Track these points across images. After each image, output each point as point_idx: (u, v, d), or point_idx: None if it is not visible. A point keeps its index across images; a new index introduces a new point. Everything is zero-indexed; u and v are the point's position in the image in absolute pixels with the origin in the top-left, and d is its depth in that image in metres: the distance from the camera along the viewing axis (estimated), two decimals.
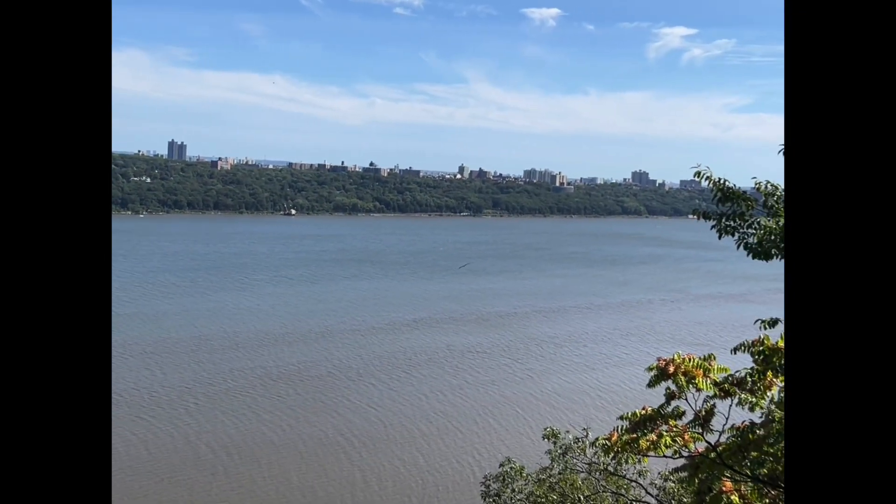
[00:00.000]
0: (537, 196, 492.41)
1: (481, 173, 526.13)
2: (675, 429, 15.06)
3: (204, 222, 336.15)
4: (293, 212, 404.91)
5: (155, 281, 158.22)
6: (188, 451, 68.87)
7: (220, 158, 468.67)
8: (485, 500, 30.07)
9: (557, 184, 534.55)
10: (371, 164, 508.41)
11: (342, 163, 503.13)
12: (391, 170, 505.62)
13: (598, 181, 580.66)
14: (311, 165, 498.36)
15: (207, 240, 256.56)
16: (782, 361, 13.10)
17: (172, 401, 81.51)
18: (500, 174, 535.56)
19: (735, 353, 14.96)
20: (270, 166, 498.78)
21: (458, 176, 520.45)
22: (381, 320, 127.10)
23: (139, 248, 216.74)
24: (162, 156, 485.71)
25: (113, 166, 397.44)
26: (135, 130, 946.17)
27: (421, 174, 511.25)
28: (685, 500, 23.81)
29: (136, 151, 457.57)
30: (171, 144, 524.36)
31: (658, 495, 26.70)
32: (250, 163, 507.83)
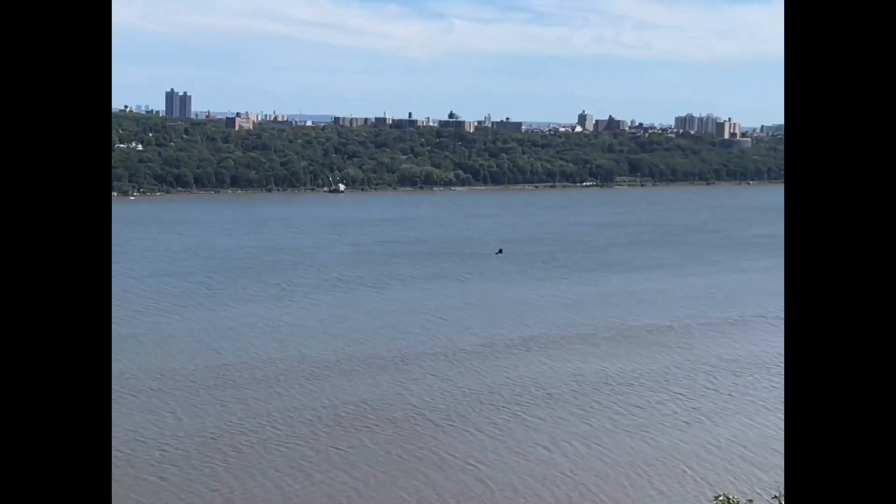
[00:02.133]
0: (696, 155, 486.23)
1: (612, 124, 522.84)
2: None
3: (219, 205, 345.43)
4: (342, 187, 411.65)
5: (160, 289, 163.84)
6: None
7: (237, 114, 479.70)
8: None
9: (726, 135, 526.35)
10: (451, 115, 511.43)
11: (409, 115, 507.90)
12: (479, 123, 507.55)
13: None
14: (366, 121, 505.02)
15: (227, 230, 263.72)
16: None
17: (189, 458, 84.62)
18: (641, 124, 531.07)
19: None
20: (309, 123, 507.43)
21: (578, 129, 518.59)
22: (477, 340, 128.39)
23: (134, 243, 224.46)
24: (157, 112, 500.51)
25: None
26: (120, 77, 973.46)
27: (523, 128, 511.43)
28: None
29: (123, 107, 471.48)
30: (170, 96, 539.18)
31: None
32: (280, 119, 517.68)
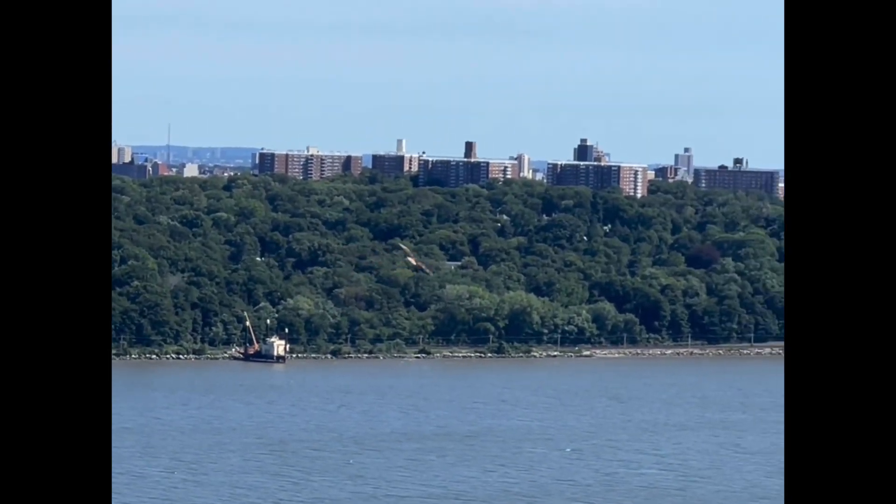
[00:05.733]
0: None
1: None
2: None
3: None
4: (280, 344, 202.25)
5: None
6: None
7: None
8: None
9: None
10: (581, 147, 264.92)
11: (470, 153, 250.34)
12: (645, 170, 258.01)
13: None
14: (348, 162, 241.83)
15: None
16: None
17: None
18: None
19: None
20: (188, 168, 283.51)
21: None
22: None
23: None
24: None
25: None
26: None
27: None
28: None
29: None
30: None
31: None
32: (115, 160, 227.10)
